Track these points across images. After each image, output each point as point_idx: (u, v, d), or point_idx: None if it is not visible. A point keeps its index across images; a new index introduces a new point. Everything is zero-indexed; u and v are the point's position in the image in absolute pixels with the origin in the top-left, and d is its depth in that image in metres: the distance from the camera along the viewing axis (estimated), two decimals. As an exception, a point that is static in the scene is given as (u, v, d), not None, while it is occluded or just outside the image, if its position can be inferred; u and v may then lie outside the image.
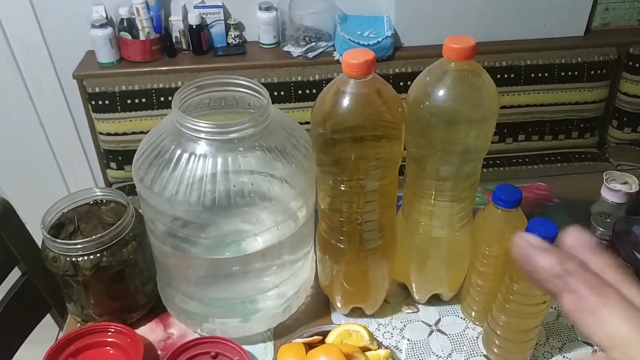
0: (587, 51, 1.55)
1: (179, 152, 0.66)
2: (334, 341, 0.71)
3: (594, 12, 1.57)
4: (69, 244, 0.72)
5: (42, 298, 0.92)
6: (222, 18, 1.51)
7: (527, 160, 1.61)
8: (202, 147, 0.65)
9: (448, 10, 1.47)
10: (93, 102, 1.50)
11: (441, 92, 0.62)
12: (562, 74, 1.55)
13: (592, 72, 1.55)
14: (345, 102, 0.60)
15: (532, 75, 1.53)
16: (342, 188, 0.67)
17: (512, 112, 1.58)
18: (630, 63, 1.59)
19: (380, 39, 1.42)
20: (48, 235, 0.73)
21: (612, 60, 1.58)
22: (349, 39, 1.41)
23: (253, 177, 0.69)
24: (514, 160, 1.61)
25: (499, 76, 1.52)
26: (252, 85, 0.70)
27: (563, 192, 1.04)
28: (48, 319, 0.96)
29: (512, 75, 1.53)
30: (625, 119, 1.67)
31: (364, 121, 0.61)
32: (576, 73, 1.55)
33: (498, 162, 1.60)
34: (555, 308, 0.81)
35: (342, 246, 0.73)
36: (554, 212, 0.99)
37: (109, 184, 1.65)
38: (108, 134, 1.53)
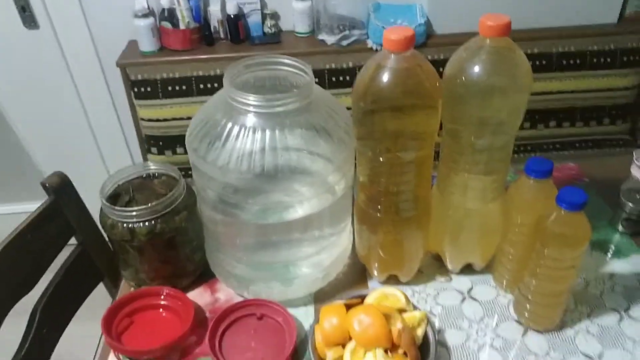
0: (621, 38, 1.55)
1: (230, 124, 0.71)
2: (372, 303, 0.76)
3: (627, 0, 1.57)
4: (126, 211, 0.78)
5: (96, 267, 0.99)
6: (259, 8, 1.56)
7: (558, 146, 1.62)
8: (250, 120, 0.71)
9: (478, -2, 1.49)
10: (136, 90, 1.57)
11: (476, 68, 0.66)
12: (595, 60, 1.55)
13: (625, 59, 1.55)
14: (386, 76, 0.65)
15: (564, 62, 1.54)
16: (381, 160, 0.71)
17: (544, 99, 1.59)
18: (664, 50, 1.59)
19: (413, 27, 1.45)
20: (107, 203, 0.80)
21: (646, 47, 1.57)
22: (382, 27, 1.44)
23: (296, 152, 0.73)
24: (545, 147, 1.62)
25: (531, 63, 1.52)
26: (296, 63, 0.75)
27: (593, 172, 1.07)
28: (97, 298, 1.02)
29: (544, 62, 1.54)
30: (657, 105, 1.66)
31: (403, 94, 0.66)
32: (609, 60, 1.55)
33: (530, 148, 1.62)
34: (583, 278, 0.85)
35: (379, 215, 0.77)
36: (584, 189, 1.02)
37: (149, 169, 1.72)
38: (150, 120, 1.60)
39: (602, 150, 1.62)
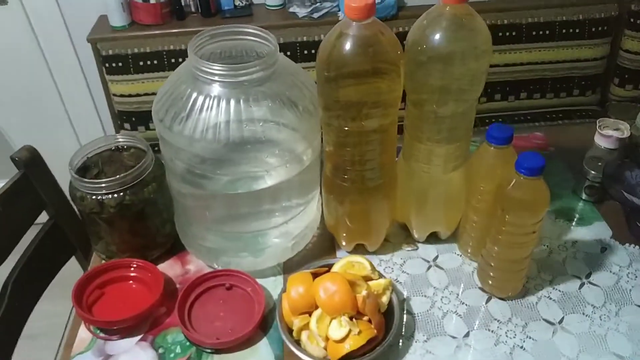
0: (588, 8, 1.56)
1: (195, 94, 0.71)
2: (338, 271, 0.77)
3: (598, -31, 1.59)
4: (95, 183, 0.78)
5: (68, 241, 0.99)
6: (230, -20, 1.55)
7: (529, 117, 1.65)
8: (215, 89, 0.71)
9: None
10: (107, 65, 1.55)
11: (437, 35, 0.67)
12: (563, 31, 1.57)
13: (593, 30, 1.57)
14: (348, 43, 0.65)
15: (533, 33, 1.56)
16: (346, 129, 0.72)
17: (514, 70, 1.61)
18: (632, 20, 1.61)
19: (384, -1, 1.45)
20: (76, 176, 0.79)
21: (614, 17, 1.59)
22: (354, -1, 1.44)
23: (262, 122, 0.74)
24: (516, 118, 1.64)
25: (500, 34, 1.55)
26: (260, 33, 0.75)
27: (559, 142, 1.09)
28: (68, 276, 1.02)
29: (514, 34, 1.55)
30: (626, 76, 1.69)
31: (366, 61, 0.66)
32: (577, 30, 1.57)
33: (500, 120, 1.64)
34: (547, 246, 0.87)
35: (346, 185, 0.78)
36: (549, 158, 1.03)
37: (123, 145, 1.70)
38: (122, 96, 1.59)
39: (572, 122, 1.64)
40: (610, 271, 0.83)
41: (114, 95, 1.60)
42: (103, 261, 0.88)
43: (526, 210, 0.69)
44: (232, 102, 0.70)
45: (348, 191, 0.79)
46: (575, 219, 0.92)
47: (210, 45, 0.77)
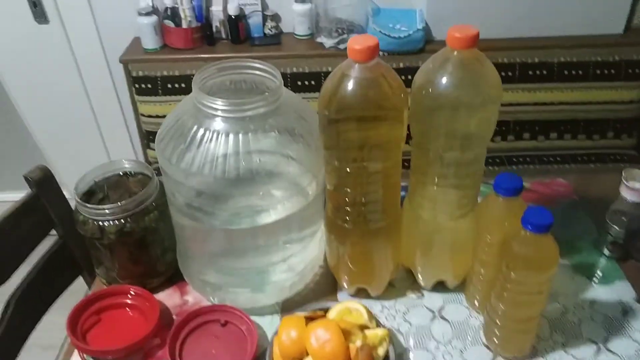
0: (626, 49, 1.50)
1: (197, 128, 0.71)
2: (334, 317, 0.75)
3: (635, 9, 1.52)
4: (97, 209, 0.79)
5: (75, 261, 1.00)
6: (260, 9, 1.56)
7: (558, 159, 1.58)
8: (218, 124, 0.70)
9: (480, 5, 1.46)
10: (137, 85, 1.58)
11: (443, 79, 0.64)
12: (598, 72, 1.51)
13: (630, 71, 1.51)
14: (350, 85, 0.63)
15: (566, 72, 1.50)
16: (348, 170, 0.70)
17: (544, 110, 1.55)
18: (672, 63, 1.53)
19: (411, 32, 1.43)
20: (79, 200, 0.80)
21: (651, 59, 1.53)
22: (380, 31, 1.43)
23: (266, 155, 0.73)
24: (545, 159, 1.58)
25: (531, 72, 1.51)
26: (265, 68, 0.74)
27: (585, 190, 1.04)
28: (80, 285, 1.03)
29: (545, 72, 1.50)
30: (665, 121, 1.61)
31: (367, 104, 0.64)
32: (613, 71, 1.51)
33: (528, 159, 1.58)
34: (562, 304, 0.82)
35: (347, 226, 0.76)
36: (571, 208, 0.99)
37: (149, 164, 1.73)
38: (149, 116, 1.61)
39: (606, 166, 1.57)
40: (632, 338, 0.76)
41: (142, 115, 1.63)
42: (104, 285, 0.88)
43: (532, 268, 0.65)
44: (232, 136, 0.69)
45: (349, 232, 0.77)
46: (595, 276, 0.86)
47: (218, 78, 0.77)
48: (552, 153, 1.61)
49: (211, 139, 0.70)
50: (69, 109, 1.83)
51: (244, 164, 0.70)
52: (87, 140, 1.92)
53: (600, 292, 0.83)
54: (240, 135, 0.70)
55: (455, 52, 0.64)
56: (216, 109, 0.69)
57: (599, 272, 0.87)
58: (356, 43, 0.62)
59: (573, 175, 1.09)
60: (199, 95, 0.70)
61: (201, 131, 0.70)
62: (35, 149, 1.94)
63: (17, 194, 0.93)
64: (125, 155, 1.95)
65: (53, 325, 0.95)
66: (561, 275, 0.86)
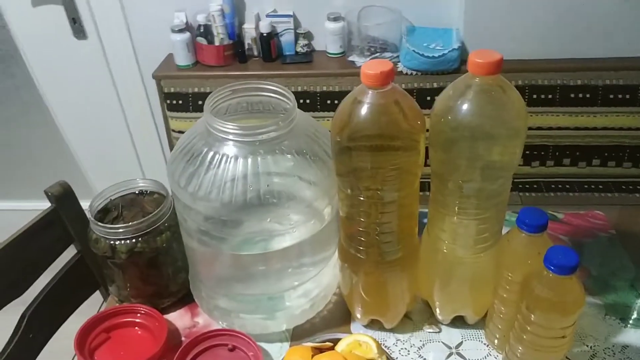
0: (678, 73, 1.42)
1: (206, 150, 0.69)
2: (343, 350, 0.71)
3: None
4: (109, 228, 0.78)
5: (92, 276, 1.00)
6: (292, 27, 1.55)
7: (600, 187, 1.50)
8: (230, 149, 0.69)
9: (520, 24, 1.41)
10: (168, 101, 1.59)
11: (463, 107, 0.61)
12: (646, 96, 1.43)
13: (681, 96, 1.42)
14: (362, 111, 0.61)
15: (611, 96, 1.43)
16: (361, 198, 0.67)
17: (586, 135, 1.47)
18: None
19: (446, 52, 1.39)
20: (92, 219, 0.80)
21: None
22: (414, 51, 1.39)
23: (279, 178, 0.71)
24: (586, 187, 1.50)
25: (572, 95, 1.43)
26: (279, 90, 0.72)
27: (623, 224, 0.97)
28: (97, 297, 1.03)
29: (588, 96, 1.43)
30: None
31: (379, 131, 0.61)
32: (662, 96, 1.42)
33: (568, 186, 1.50)
34: (590, 347, 0.76)
35: (360, 256, 0.73)
36: (607, 243, 0.92)
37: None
38: (180, 132, 1.62)
39: (652, 196, 1.48)
40: (666, 388, 0.71)
41: (173, 130, 1.64)
42: (116, 303, 0.88)
43: (554, 312, 0.60)
44: (241, 160, 0.68)
45: (363, 262, 0.73)
46: (629, 319, 0.80)
47: (233, 99, 0.75)
48: (593, 180, 1.52)
49: (221, 163, 0.68)
50: (105, 123, 1.87)
51: (254, 188, 0.68)
52: (121, 154, 1.95)
53: (634, 336, 0.77)
54: (250, 159, 0.68)
55: (477, 79, 0.60)
56: (227, 133, 0.68)
57: (634, 314, 0.81)
58: (369, 68, 0.59)
59: (614, 205, 1.02)
60: (210, 118, 0.69)
61: (211, 154, 0.69)
62: (72, 160, 1.98)
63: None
64: (157, 170, 1.97)
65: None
66: (591, 316, 0.80)
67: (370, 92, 0.60)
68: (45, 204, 0.92)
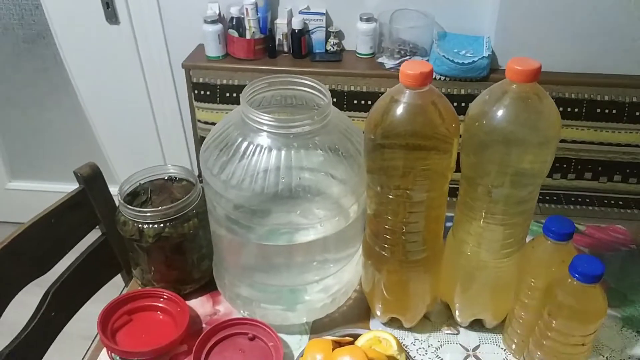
0: None
1: (241, 140, 0.71)
2: (363, 345, 0.72)
3: None
4: (137, 211, 0.80)
5: (115, 259, 1.02)
6: (324, 25, 1.57)
7: (620, 203, 1.49)
8: (263, 139, 0.70)
9: (551, 37, 1.41)
10: (196, 91, 1.61)
11: (499, 113, 0.61)
12: (673, 115, 1.42)
13: None
14: (398, 110, 0.61)
15: (638, 113, 1.42)
16: (390, 196, 0.68)
17: (609, 150, 1.47)
18: None
19: (476, 59, 1.39)
20: (122, 201, 0.81)
21: None
22: (444, 56, 1.40)
23: (310, 173, 0.72)
24: (606, 202, 1.50)
25: (598, 110, 1.43)
26: (315, 85, 0.73)
27: (645, 239, 0.97)
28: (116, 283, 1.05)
29: (614, 111, 1.43)
30: None
31: (414, 130, 0.62)
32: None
33: (588, 200, 1.50)
34: (606, 357, 0.76)
35: (385, 254, 0.73)
36: (629, 257, 0.92)
37: (199, 170, 1.76)
38: (206, 123, 1.64)
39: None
40: (681, 404, 0.71)
41: (199, 121, 1.66)
42: (139, 287, 0.89)
43: (575, 319, 0.61)
44: (275, 152, 0.69)
45: (387, 260, 0.74)
46: (647, 333, 0.80)
47: (268, 92, 0.76)
48: (614, 196, 1.52)
49: (254, 153, 0.69)
50: (131, 109, 1.90)
51: (285, 181, 0.69)
52: (144, 141, 1.98)
53: (652, 351, 0.77)
54: (284, 152, 0.69)
55: (514, 86, 0.60)
56: (262, 124, 0.69)
57: (653, 328, 0.81)
58: (409, 68, 0.60)
59: (635, 222, 1.02)
60: (246, 108, 0.70)
61: (245, 144, 0.70)
62: (95, 143, 2.01)
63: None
64: (180, 158, 1.99)
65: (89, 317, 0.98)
66: (608, 327, 0.80)
67: (407, 91, 0.61)
68: (68, 187, 0.94)
